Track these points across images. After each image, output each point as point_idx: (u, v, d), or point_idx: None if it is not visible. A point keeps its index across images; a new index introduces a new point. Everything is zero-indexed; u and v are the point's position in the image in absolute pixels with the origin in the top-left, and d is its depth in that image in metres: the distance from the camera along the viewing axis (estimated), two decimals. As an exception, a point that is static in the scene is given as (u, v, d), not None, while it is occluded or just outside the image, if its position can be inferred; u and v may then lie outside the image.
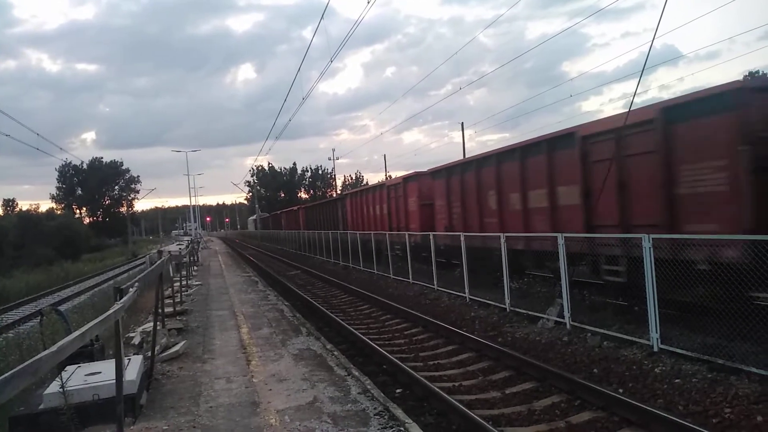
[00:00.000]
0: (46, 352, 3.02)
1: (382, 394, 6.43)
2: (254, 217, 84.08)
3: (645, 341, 7.94)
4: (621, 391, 6.75)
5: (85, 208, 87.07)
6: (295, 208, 51.73)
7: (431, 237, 15.73)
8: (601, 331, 8.79)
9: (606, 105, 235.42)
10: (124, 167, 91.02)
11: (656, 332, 7.73)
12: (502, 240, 11.66)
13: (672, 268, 7.54)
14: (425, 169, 20.09)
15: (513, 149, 13.36)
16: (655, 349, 7.69)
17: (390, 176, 52.61)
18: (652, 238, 7.84)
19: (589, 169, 10.34)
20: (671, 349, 7.49)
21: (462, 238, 13.58)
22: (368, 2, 13.03)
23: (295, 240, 40.83)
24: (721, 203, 7.80)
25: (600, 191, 9.72)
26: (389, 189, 22.98)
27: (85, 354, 6.82)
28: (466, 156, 36.25)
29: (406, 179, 21.39)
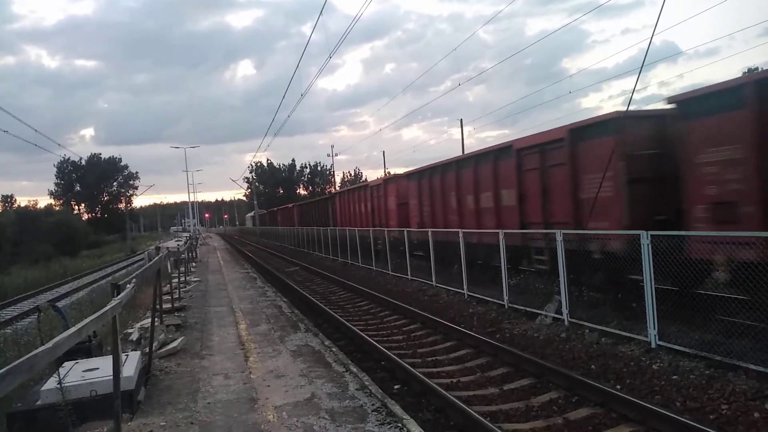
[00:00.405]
0: (42, 348, 3.01)
1: (380, 390, 6.42)
2: (252, 213, 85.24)
3: (643, 338, 7.94)
4: (619, 387, 6.76)
5: (83, 205, 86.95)
6: (291, 205, 53.48)
7: (429, 233, 15.72)
8: (599, 327, 8.80)
9: (605, 102, 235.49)
10: (122, 163, 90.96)
11: (654, 329, 7.74)
12: (501, 236, 11.65)
13: (578, 257, 9.64)
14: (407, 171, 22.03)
15: (469, 157, 15.81)
16: (653, 345, 7.70)
17: (389, 173, 54.05)
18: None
19: (523, 176, 12.45)
20: (669, 345, 7.50)
21: (461, 234, 13.59)
22: (367, -2, 12.99)
23: (294, 236, 40.86)
24: (609, 206, 9.60)
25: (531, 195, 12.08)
26: (372, 189, 25.11)
27: (82, 350, 6.82)
28: (465, 152, 36.97)
29: (386, 181, 23.89)
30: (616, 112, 9.67)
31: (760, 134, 7.13)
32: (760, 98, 7.15)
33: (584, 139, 10.27)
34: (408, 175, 20.59)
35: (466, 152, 36.34)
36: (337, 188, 65.29)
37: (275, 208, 65.46)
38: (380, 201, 23.54)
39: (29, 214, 59.76)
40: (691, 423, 5.27)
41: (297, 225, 43.27)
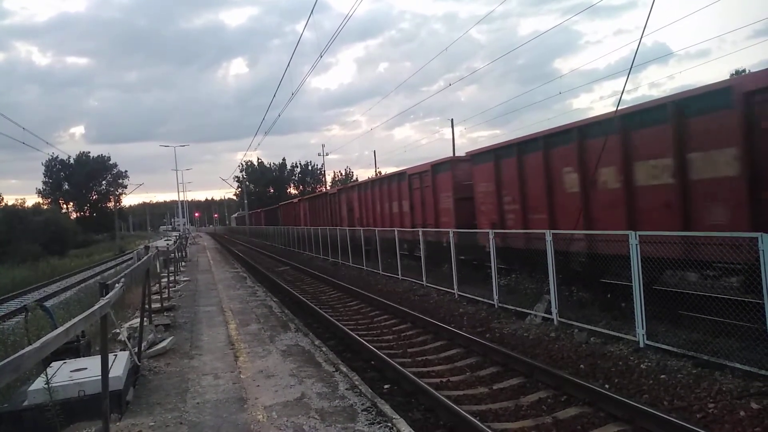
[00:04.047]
0: (29, 348, 2.99)
1: (370, 390, 6.42)
2: (236, 214, 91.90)
3: (631, 337, 8.00)
4: (607, 386, 6.80)
5: (72, 203, 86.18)
6: (259, 210, 71.41)
7: (420, 233, 15.78)
8: (588, 327, 8.86)
9: (597, 102, 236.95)
10: (111, 162, 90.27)
11: (642, 328, 7.80)
12: (491, 236, 11.71)
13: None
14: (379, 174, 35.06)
15: (323, 194, 31.24)
16: (641, 345, 7.76)
17: (380, 172, 57.70)
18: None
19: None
20: (657, 345, 7.56)
21: (451, 234, 13.64)
22: (358, -2, 13.03)
23: (283, 235, 40.96)
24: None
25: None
26: (295, 204, 44.11)
27: (71, 350, 6.77)
28: (454, 153, 38.72)
29: (300, 201, 42.97)
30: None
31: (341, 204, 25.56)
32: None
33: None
34: (306, 199, 39.80)
35: (455, 154, 37.66)
36: (328, 188, 67.24)
37: (251, 212, 78.55)
38: (298, 211, 41.02)
39: (17, 212, 59.06)
40: (679, 422, 5.32)
41: (264, 224, 59.49)
